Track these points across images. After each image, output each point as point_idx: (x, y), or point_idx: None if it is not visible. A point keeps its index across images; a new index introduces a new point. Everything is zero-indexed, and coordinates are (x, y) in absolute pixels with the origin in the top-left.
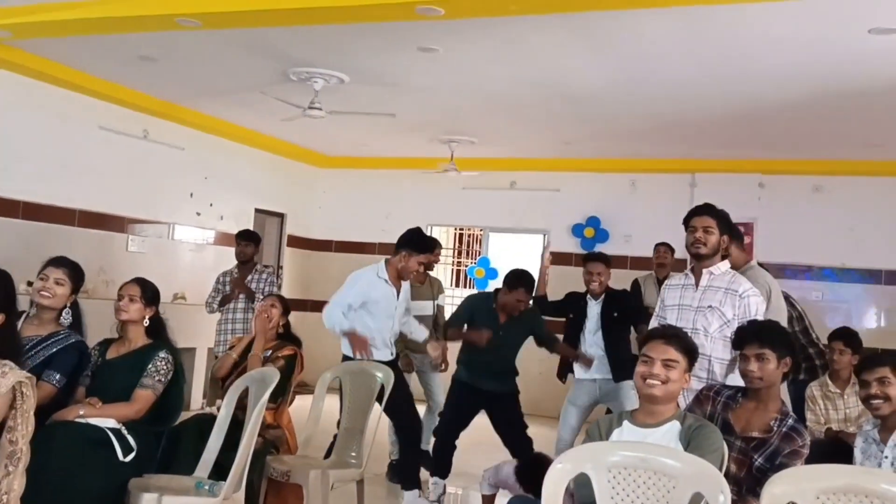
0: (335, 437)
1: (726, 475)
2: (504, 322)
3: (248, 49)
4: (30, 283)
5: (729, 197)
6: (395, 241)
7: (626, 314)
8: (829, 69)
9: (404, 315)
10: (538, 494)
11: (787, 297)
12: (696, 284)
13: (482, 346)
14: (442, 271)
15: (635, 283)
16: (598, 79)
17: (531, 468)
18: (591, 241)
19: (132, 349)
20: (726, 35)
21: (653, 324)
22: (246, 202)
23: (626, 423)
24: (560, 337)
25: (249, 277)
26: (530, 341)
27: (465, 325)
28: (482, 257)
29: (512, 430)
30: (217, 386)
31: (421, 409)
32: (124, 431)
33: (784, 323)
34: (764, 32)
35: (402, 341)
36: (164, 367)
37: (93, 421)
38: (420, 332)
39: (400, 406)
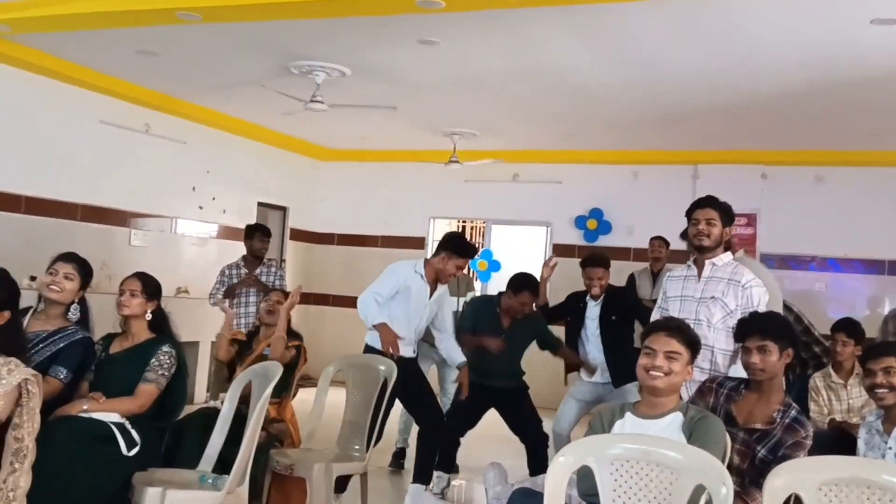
0: None
1: (729, 467)
2: (508, 326)
3: (248, 43)
4: (32, 278)
5: (731, 188)
6: (397, 234)
7: (626, 315)
8: (831, 60)
9: (443, 333)
10: None
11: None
12: (699, 275)
13: (490, 352)
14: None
15: (631, 277)
16: (599, 70)
17: None
18: (593, 233)
19: (135, 344)
20: (728, 26)
21: (655, 315)
22: (248, 196)
23: (628, 414)
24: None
25: (258, 270)
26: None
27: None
28: (485, 249)
29: (525, 425)
30: (222, 374)
31: None
32: (128, 426)
33: (779, 308)
34: (766, 23)
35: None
36: (168, 362)
37: (96, 415)
38: (456, 355)
39: (422, 401)
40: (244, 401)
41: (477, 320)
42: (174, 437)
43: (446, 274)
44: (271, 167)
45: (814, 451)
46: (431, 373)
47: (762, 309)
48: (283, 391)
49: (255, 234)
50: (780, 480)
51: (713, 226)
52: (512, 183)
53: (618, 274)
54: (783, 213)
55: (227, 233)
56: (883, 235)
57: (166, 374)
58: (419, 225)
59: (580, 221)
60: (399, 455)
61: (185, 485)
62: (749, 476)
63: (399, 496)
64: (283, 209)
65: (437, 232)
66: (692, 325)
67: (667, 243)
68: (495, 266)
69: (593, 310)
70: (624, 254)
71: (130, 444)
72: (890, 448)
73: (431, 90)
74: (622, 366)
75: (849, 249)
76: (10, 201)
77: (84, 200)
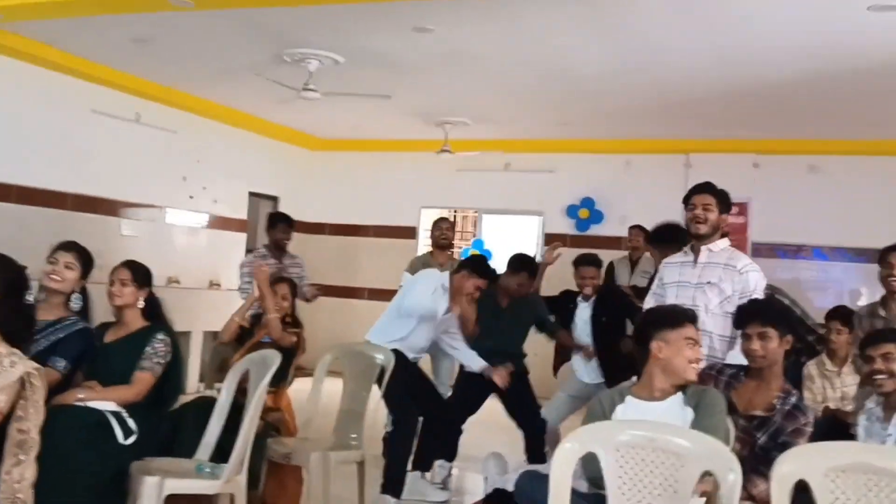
0: None
1: None
2: (506, 306)
3: (241, 30)
4: (24, 268)
5: (723, 177)
6: (389, 223)
7: (617, 316)
8: (828, 47)
9: (456, 342)
10: None
11: (776, 290)
12: (696, 261)
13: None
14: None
15: (610, 265)
16: (593, 58)
17: None
18: (585, 221)
19: (129, 332)
20: (723, 13)
21: (649, 301)
22: (239, 185)
23: (628, 398)
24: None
25: (286, 262)
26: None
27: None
28: (476, 239)
29: (523, 411)
30: (217, 363)
31: None
32: (124, 414)
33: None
34: (761, 10)
35: None
36: (163, 349)
37: (93, 404)
38: (473, 361)
39: (425, 391)
40: (240, 390)
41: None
42: (171, 426)
43: (462, 292)
44: (262, 156)
45: (810, 438)
46: (424, 361)
47: (759, 294)
48: (279, 380)
49: (278, 224)
50: (787, 467)
51: (710, 211)
52: (503, 172)
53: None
54: (775, 202)
55: (219, 222)
56: (875, 224)
57: (161, 361)
58: (410, 215)
59: (572, 210)
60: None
61: (182, 473)
62: (750, 463)
63: None
64: (275, 199)
65: (427, 222)
66: None
67: (645, 232)
68: (487, 256)
69: (584, 311)
70: (615, 243)
71: (127, 432)
72: (890, 435)
73: (425, 78)
74: (615, 366)
75: (841, 238)
76: (1, 191)
77: (75, 190)
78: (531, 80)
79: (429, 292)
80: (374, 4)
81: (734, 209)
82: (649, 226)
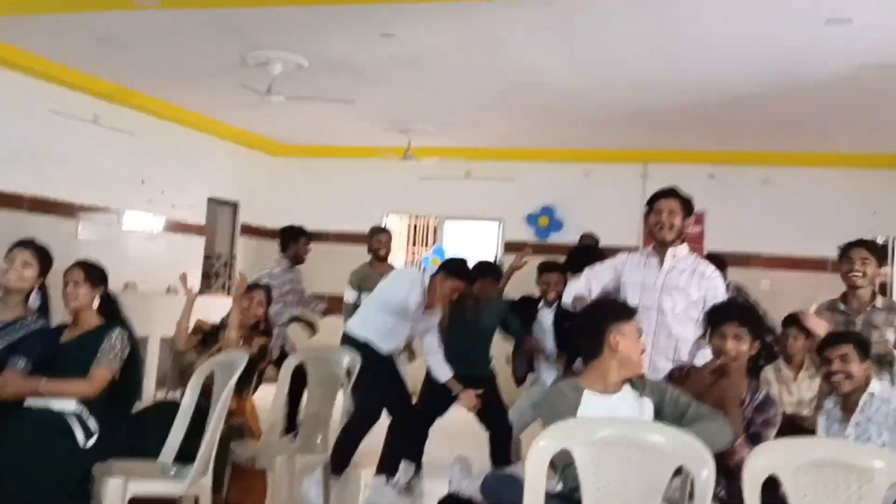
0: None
1: None
2: (471, 309)
3: (205, 31)
4: None
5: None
6: (350, 230)
7: None
8: (785, 60)
9: (433, 348)
10: None
11: (739, 289)
12: (661, 265)
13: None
14: (396, 261)
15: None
16: (553, 68)
17: None
18: (545, 230)
19: (85, 330)
20: (683, 24)
21: (579, 283)
22: (199, 190)
23: (585, 392)
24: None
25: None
26: None
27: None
28: (437, 246)
29: (491, 415)
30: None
31: None
32: (84, 415)
33: None
34: (721, 22)
35: None
36: (120, 344)
37: (53, 404)
38: (441, 372)
39: (394, 394)
40: (203, 393)
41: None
42: (133, 429)
43: (441, 294)
44: (223, 161)
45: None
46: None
47: (721, 298)
48: (243, 387)
49: (301, 238)
50: (760, 461)
51: (675, 217)
52: (465, 180)
53: None
54: (730, 212)
55: (177, 227)
56: (828, 235)
57: (119, 356)
58: (372, 222)
59: (532, 219)
60: None
61: (146, 475)
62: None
63: (357, 486)
64: (234, 204)
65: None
66: (654, 315)
67: (596, 240)
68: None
69: (547, 316)
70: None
71: (88, 434)
72: (848, 436)
73: (388, 84)
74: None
75: (794, 248)
76: None
77: (31, 192)
78: (492, 88)
79: (405, 287)
80: (339, 7)
81: (691, 219)
82: (606, 233)
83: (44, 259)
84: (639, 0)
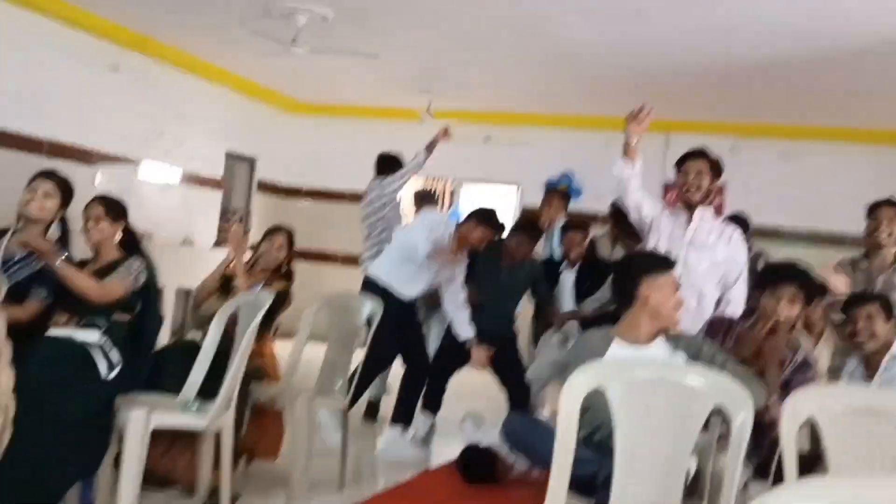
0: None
1: None
2: (505, 267)
3: None
4: None
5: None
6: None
7: (601, 282)
8: (815, 27)
9: (456, 301)
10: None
11: (760, 254)
12: (688, 222)
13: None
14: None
15: (591, 241)
16: (580, 30)
17: (470, 461)
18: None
19: (104, 263)
20: None
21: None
22: (217, 144)
23: (615, 342)
24: None
25: None
26: None
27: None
28: (453, 209)
29: (509, 374)
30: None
31: None
32: (107, 347)
33: None
34: None
35: None
36: (138, 267)
37: (76, 335)
38: (462, 329)
39: (412, 342)
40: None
41: (475, 260)
42: (156, 366)
43: (469, 242)
44: (242, 116)
45: None
46: None
47: (740, 268)
48: (264, 330)
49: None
50: (801, 404)
51: (702, 177)
52: (483, 144)
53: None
54: (751, 185)
55: (194, 180)
56: (847, 210)
57: (134, 277)
58: None
59: (551, 185)
60: (372, 410)
61: (169, 408)
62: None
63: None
64: (251, 160)
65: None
66: (679, 268)
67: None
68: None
69: (568, 278)
70: (592, 219)
71: (110, 366)
72: None
73: (412, 40)
74: None
75: (815, 222)
76: None
77: (51, 136)
78: (516, 48)
79: (419, 232)
80: None
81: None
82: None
83: (65, 191)
84: None
